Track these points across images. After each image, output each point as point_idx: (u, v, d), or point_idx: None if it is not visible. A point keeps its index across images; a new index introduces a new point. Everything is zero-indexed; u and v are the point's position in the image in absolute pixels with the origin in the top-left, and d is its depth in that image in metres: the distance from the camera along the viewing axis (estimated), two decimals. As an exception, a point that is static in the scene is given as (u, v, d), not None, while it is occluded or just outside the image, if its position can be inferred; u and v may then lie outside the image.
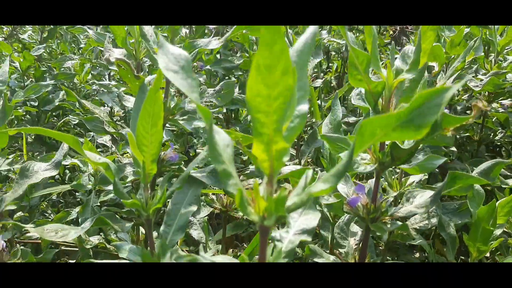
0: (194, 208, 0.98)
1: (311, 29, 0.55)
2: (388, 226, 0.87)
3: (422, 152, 1.44)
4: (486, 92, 1.92)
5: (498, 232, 1.20)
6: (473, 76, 1.77)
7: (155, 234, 1.10)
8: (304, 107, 0.52)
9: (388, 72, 0.83)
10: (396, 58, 0.90)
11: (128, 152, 1.18)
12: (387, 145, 0.85)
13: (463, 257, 1.65)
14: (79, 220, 1.27)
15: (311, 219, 0.66)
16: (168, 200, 1.03)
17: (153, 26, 0.95)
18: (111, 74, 2.41)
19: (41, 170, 0.97)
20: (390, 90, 0.84)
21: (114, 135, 1.22)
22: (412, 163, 0.86)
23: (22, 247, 1.03)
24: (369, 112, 0.92)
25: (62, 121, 2.26)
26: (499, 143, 2.14)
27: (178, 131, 1.71)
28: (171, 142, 1.04)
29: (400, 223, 0.86)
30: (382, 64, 0.98)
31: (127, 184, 1.20)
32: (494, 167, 0.95)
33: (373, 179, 0.93)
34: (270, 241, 0.63)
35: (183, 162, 1.03)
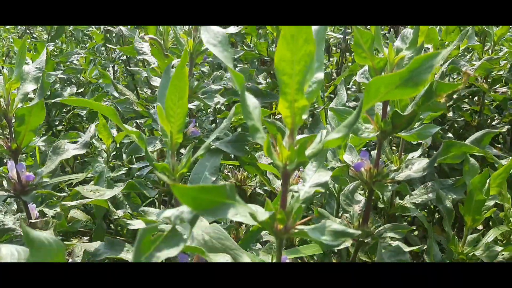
0: (213, 177, 1.09)
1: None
2: (389, 187, 0.98)
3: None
4: (484, 80, 2.03)
5: (491, 203, 1.30)
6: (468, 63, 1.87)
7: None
8: (320, 75, 0.63)
9: (389, 50, 0.94)
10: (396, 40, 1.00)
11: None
12: (388, 115, 0.95)
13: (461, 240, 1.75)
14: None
15: (323, 175, 0.76)
16: (190, 171, 1.14)
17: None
18: (115, 68, 2.51)
19: (71, 148, 1.08)
20: (391, 66, 0.94)
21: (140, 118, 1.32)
22: (411, 131, 0.97)
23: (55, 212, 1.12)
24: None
25: (71, 112, 2.35)
26: (498, 132, 2.24)
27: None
28: (193, 119, 1.14)
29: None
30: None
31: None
32: (484, 136, 1.05)
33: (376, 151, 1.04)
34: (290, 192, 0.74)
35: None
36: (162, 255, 0.62)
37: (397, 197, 1.61)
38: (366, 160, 1.00)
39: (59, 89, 2.41)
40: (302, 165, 0.64)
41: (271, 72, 1.89)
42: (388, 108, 0.98)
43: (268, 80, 1.80)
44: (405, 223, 1.88)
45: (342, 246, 1.05)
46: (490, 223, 1.63)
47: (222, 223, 1.26)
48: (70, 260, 1.12)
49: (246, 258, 0.76)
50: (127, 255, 1.04)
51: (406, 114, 0.91)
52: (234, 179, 1.30)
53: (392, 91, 0.58)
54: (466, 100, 2.18)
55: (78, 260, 1.08)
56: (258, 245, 1.35)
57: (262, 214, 0.62)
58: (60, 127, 2.35)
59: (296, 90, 0.59)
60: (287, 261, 0.77)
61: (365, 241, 1.03)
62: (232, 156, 1.39)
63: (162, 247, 0.63)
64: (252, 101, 0.63)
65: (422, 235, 1.96)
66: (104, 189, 1.03)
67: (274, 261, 0.70)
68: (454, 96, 2.03)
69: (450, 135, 2.04)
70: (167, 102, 0.89)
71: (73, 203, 1.05)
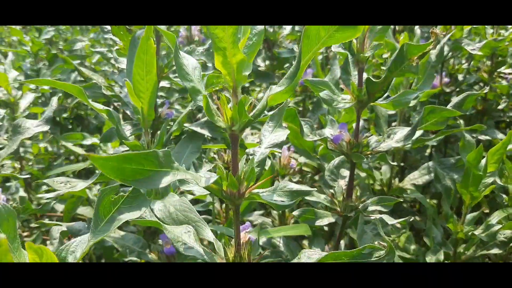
0: (196, 155, 1.07)
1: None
2: (369, 158, 0.94)
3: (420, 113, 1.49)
4: (488, 61, 1.96)
5: (489, 180, 1.23)
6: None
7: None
8: (260, 26, 0.60)
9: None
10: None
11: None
12: (364, 83, 0.92)
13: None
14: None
15: (280, 135, 0.74)
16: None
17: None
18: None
19: (33, 126, 1.02)
20: (363, 33, 0.90)
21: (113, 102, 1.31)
22: (387, 99, 0.93)
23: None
24: (347, 57, 0.99)
25: (75, 101, 2.37)
26: (508, 120, 2.17)
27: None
28: (166, 100, 1.13)
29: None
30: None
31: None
32: (466, 100, 1.00)
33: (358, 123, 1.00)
34: (245, 156, 0.72)
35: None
36: (124, 217, 0.60)
37: (397, 179, 1.56)
38: (345, 132, 0.97)
39: (62, 76, 2.44)
40: (247, 125, 0.62)
41: (272, 55, 1.87)
42: (365, 75, 0.94)
43: (267, 62, 1.78)
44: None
45: (325, 222, 1.02)
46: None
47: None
48: (47, 243, 1.12)
49: (207, 230, 0.74)
50: (110, 238, 1.04)
51: (379, 80, 0.87)
52: (220, 160, 1.28)
53: (334, 35, 0.55)
54: (476, 87, 2.12)
55: (55, 242, 1.07)
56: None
57: (206, 179, 0.60)
58: (65, 115, 2.37)
59: (232, 44, 0.56)
60: (250, 229, 0.75)
61: (349, 215, 0.99)
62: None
63: (124, 209, 0.61)
64: (190, 61, 0.61)
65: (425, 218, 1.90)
66: (76, 181, 1.03)
67: (232, 229, 0.68)
68: (460, 78, 1.97)
69: (461, 121, 2.00)
70: (135, 77, 0.87)
71: (51, 195, 1.05)
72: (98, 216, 0.57)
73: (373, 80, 0.86)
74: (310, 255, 0.67)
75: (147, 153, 0.51)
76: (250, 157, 0.70)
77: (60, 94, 2.41)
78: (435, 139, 1.22)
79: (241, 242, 0.70)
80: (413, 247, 1.43)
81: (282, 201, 0.64)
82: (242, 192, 0.65)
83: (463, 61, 2.14)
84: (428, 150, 2.20)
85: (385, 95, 0.92)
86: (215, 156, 1.32)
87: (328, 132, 1.02)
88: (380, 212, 1.04)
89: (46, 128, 1.00)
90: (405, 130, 0.97)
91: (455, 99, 1.01)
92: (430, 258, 1.19)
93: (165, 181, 0.52)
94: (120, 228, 1.15)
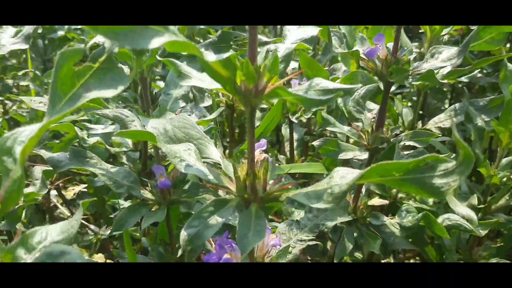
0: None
1: None
2: (410, 78, 0.77)
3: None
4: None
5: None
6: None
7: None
8: None
9: None
10: None
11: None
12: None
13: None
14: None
15: (309, 30, 0.58)
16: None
17: None
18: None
19: (9, 43, 0.90)
20: None
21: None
22: None
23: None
24: None
25: (67, 46, 2.23)
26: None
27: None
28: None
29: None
30: None
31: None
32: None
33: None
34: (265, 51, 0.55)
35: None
36: (92, 95, 0.43)
37: (420, 122, 1.41)
38: (382, 45, 0.80)
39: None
40: None
41: None
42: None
43: None
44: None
45: (350, 156, 0.87)
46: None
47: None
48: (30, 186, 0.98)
49: (212, 148, 0.59)
50: (96, 169, 0.88)
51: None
52: (225, 97, 1.12)
53: None
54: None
55: (38, 183, 0.95)
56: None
57: (217, 56, 0.44)
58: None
59: None
60: (266, 147, 0.60)
61: (380, 147, 0.84)
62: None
63: (92, 85, 0.44)
64: None
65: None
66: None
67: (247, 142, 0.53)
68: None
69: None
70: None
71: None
72: (56, 91, 0.40)
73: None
74: (345, 174, 0.51)
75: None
76: (272, 52, 0.53)
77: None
78: (472, 68, 1.05)
79: (256, 160, 0.55)
80: (431, 199, 1.30)
81: (312, 95, 0.48)
82: (261, 87, 0.49)
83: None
84: (447, 103, 2.06)
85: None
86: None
87: (359, 49, 0.85)
88: (414, 148, 0.88)
89: (24, 46, 0.86)
90: (452, 49, 0.81)
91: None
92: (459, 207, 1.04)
93: (157, 41, 0.36)
94: (110, 163, 1.01)
